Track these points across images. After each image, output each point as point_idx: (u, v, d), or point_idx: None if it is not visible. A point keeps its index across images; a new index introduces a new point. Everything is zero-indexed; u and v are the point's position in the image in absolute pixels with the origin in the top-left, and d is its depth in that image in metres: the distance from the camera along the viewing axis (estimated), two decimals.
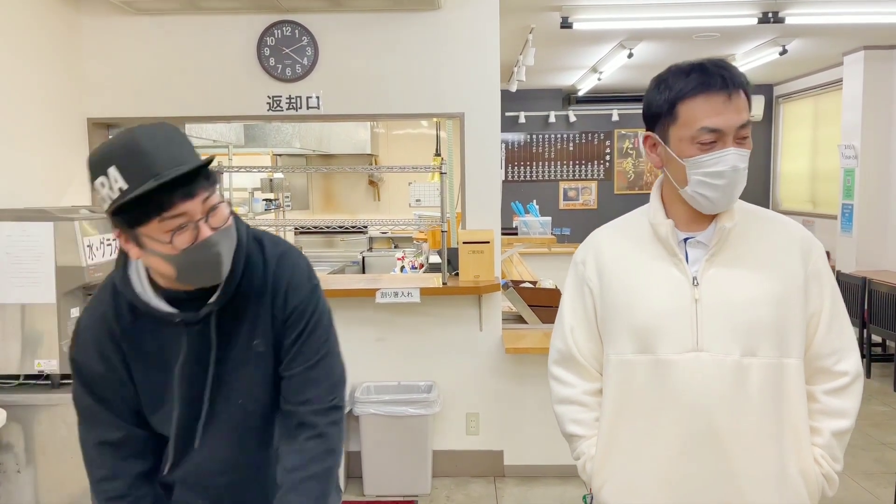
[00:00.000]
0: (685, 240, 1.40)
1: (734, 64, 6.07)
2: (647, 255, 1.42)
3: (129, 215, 1.17)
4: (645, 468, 1.39)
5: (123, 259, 1.33)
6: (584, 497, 1.53)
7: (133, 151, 1.15)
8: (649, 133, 1.42)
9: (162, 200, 1.15)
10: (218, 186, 1.26)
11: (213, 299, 1.30)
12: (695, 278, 1.36)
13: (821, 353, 1.39)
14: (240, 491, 1.46)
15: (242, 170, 4.44)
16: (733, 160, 1.32)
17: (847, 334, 1.41)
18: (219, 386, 1.36)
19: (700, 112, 1.32)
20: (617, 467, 1.43)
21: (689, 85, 1.34)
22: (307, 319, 1.39)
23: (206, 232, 1.21)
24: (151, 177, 1.14)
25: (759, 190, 8.78)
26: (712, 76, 1.33)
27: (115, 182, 1.15)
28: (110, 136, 1.27)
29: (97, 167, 1.17)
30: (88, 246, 2.66)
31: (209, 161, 1.20)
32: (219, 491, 1.45)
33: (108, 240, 2.82)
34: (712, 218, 1.39)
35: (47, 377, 2.67)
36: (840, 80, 6.79)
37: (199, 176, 1.19)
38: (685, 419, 1.34)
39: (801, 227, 1.45)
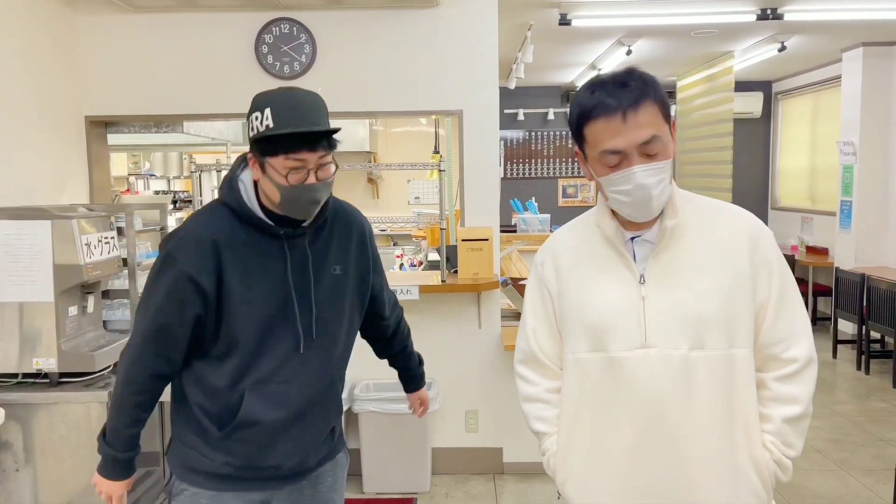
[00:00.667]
0: (632, 239, 1.42)
1: (733, 60, 6.02)
2: (599, 255, 1.45)
3: (265, 146, 1.51)
4: (602, 464, 1.43)
5: (228, 185, 1.62)
6: (558, 493, 1.55)
7: (287, 103, 1.51)
8: (577, 150, 1.45)
9: (292, 145, 1.49)
10: (334, 151, 1.58)
11: (306, 223, 1.63)
12: (642, 276, 1.39)
13: (769, 341, 1.40)
14: (304, 414, 1.67)
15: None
16: (639, 178, 1.32)
17: (798, 321, 1.41)
18: (317, 300, 1.64)
19: (601, 134, 1.33)
20: (577, 463, 1.47)
21: (589, 106, 1.34)
22: (375, 250, 1.85)
23: (312, 179, 1.54)
24: (292, 126, 1.48)
25: (758, 187, 8.78)
26: (609, 96, 1.32)
27: (266, 119, 1.49)
28: (267, 92, 1.58)
29: (258, 104, 1.51)
30: (86, 244, 2.65)
31: (335, 130, 1.54)
32: (289, 405, 1.64)
33: (107, 238, 2.81)
34: (658, 216, 1.40)
35: (46, 376, 2.66)
36: (839, 77, 6.79)
37: (324, 138, 1.53)
38: (637, 414, 1.37)
39: (749, 215, 1.45)
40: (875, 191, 6.37)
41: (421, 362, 2.12)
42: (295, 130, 1.48)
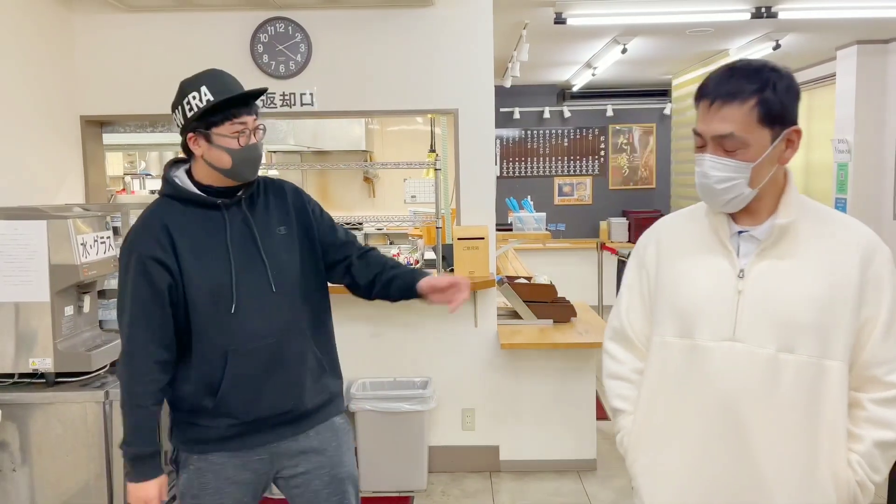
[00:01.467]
0: (740, 233, 1.42)
1: (728, 59, 6.03)
2: (702, 244, 1.45)
3: (210, 119, 1.71)
4: (672, 450, 1.43)
5: (164, 181, 1.82)
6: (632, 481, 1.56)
7: (216, 79, 1.75)
8: None
9: (235, 111, 1.72)
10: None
11: (241, 193, 1.81)
12: (742, 270, 1.39)
13: (873, 361, 1.36)
14: (282, 358, 1.81)
15: None
16: (705, 166, 1.37)
17: None
18: (267, 256, 1.79)
19: (699, 114, 1.41)
20: (648, 446, 1.48)
21: (701, 86, 1.41)
22: (314, 205, 1.98)
23: (254, 139, 1.77)
24: (229, 94, 1.72)
25: None
26: (714, 82, 1.37)
27: (204, 95, 1.70)
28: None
29: (189, 87, 1.73)
30: (82, 244, 2.65)
31: (264, 90, 1.80)
32: (265, 355, 1.78)
33: (102, 237, 2.81)
34: (770, 213, 1.40)
35: (42, 376, 2.66)
36: (833, 75, 6.81)
37: (254, 102, 1.78)
38: (714, 406, 1.37)
39: (867, 230, 1.42)
40: (869, 188, 6.39)
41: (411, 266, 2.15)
42: (236, 94, 1.72)
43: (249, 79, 3.68)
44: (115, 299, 3.05)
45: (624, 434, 1.56)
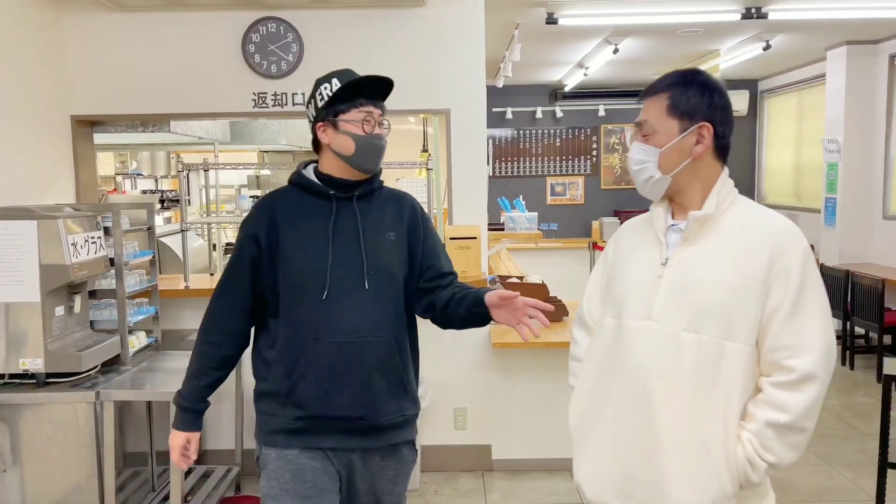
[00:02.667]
0: (672, 226, 1.57)
1: (719, 59, 6.09)
2: (644, 238, 1.62)
3: (339, 105, 1.79)
4: (595, 419, 1.58)
5: (295, 173, 1.89)
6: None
7: (348, 72, 1.83)
8: None
9: (361, 99, 1.80)
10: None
11: (358, 190, 1.84)
12: (666, 259, 1.53)
13: (773, 346, 1.45)
14: (363, 359, 1.77)
15: (229, 167, 4.43)
16: (630, 151, 1.60)
17: (808, 334, 1.44)
18: (367, 253, 1.79)
19: None
20: (580, 414, 1.64)
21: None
22: (428, 225, 1.99)
23: (380, 130, 1.82)
24: (356, 77, 1.80)
25: (745, 183, 8.84)
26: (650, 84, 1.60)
27: (334, 85, 1.80)
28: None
29: (323, 80, 1.82)
30: (73, 244, 2.65)
31: (392, 82, 1.83)
32: (346, 351, 1.76)
33: (93, 237, 2.80)
34: (698, 208, 1.54)
35: (32, 376, 2.66)
36: (823, 75, 6.85)
37: (382, 95, 1.84)
38: (627, 379, 1.52)
39: (785, 226, 1.50)
40: (859, 188, 6.43)
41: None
42: (362, 77, 1.79)
43: (241, 79, 3.68)
44: (106, 300, 3.07)
45: (570, 404, 1.71)
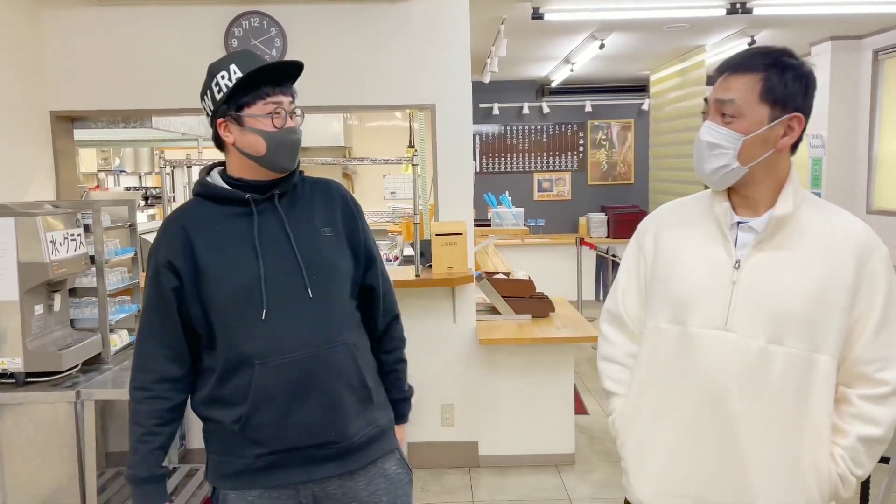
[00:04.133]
0: (739, 224, 1.43)
1: (704, 55, 6.08)
2: (701, 232, 1.46)
3: (241, 97, 1.55)
4: (660, 434, 1.45)
5: (197, 182, 1.67)
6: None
7: (248, 55, 1.59)
8: None
9: (267, 88, 1.55)
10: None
11: (276, 189, 1.62)
12: (738, 261, 1.39)
13: (863, 358, 1.37)
14: (319, 375, 1.57)
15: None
16: (701, 131, 1.42)
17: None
18: (303, 257, 1.59)
19: (714, 87, 1.45)
20: (639, 429, 1.50)
21: (724, 62, 1.45)
22: (364, 225, 1.78)
23: (291, 122, 1.60)
24: (259, 64, 1.55)
25: None
26: (735, 57, 1.42)
27: (233, 73, 1.54)
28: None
29: (218, 67, 1.57)
30: (52, 241, 2.61)
31: (299, 64, 1.59)
32: (298, 370, 1.55)
33: (73, 235, 2.76)
34: (769, 206, 1.41)
35: (11, 376, 2.61)
36: None
37: (290, 79, 1.60)
38: (702, 394, 1.39)
39: (866, 229, 1.41)
40: (843, 183, 6.47)
41: (409, 391, 1.85)
42: (266, 64, 1.55)
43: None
44: (87, 298, 3.02)
45: (616, 416, 1.58)
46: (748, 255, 1.39)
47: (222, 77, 1.55)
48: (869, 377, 1.37)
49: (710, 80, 1.51)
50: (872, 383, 1.37)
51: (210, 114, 1.61)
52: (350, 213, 1.72)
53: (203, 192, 1.63)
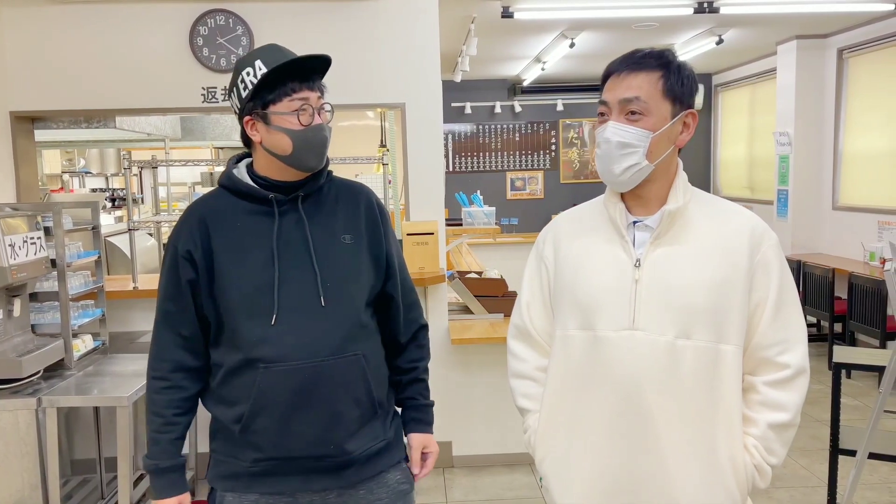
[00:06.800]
0: (635, 223, 1.43)
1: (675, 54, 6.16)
2: (599, 236, 1.46)
3: (266, 95, 1.50)
4: (579, 444, 1.43)
5: (224, 173, 1.63)
6: (539, 479, 1.54)
7: (273, 49, 1.53)
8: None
9: (292, 84, 1.51)
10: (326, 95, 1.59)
11: (301, 190, 1.58)
12: (638, 260, 1.39)
13: (763, 343, 1.39)
14: (323, 386, 1.53)
15: (179, 163, 4.31)
16: (607, 132, 1.38)
17: (794, 327, 1.40)
18: (319, 264, 1.55)
19: (605, 89, 1.43)
20: (555, 441, 1.47)
21: (610, 65, 1.45)
22: (390, 231, 1.73)
23: (319, 119, 1.54)
24: (284, 60, 1.49)
25: (700, 176, 8.98)
26: (622, 59, 1.41)
27: (259, 70, 1.50)
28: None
29: (244, 63, 1.52)
30: (10, 245, 2.54)
31: (327, 58, 1.55)
32: (302, 378, 1.52)
33: (33, 238, 2.69)
34: (661, 203, 1.42)
35: None
36: (774, 69, 6.98)
37: (318, 74, 1.56)
38: (617, 396, 1.37)
39: (755, 218, 1.44)
40: (809, 180, 6.58)
41: (430, 399, 1.81)
42: (292, 58, 1.50)
43: (189, 73, 3.58)
44: (49, 302, 2.95)
45: (531, 432, 1.54)
46: (646, 252, 1.39)
47: (247, 73, 1.51)
48: (770, 361, 1.39)
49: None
50: (776, 367, 1.39)
51: (237, 112, 1.57)
52: (374, 220, 1.66)
53: (228, 184, 1.60)
